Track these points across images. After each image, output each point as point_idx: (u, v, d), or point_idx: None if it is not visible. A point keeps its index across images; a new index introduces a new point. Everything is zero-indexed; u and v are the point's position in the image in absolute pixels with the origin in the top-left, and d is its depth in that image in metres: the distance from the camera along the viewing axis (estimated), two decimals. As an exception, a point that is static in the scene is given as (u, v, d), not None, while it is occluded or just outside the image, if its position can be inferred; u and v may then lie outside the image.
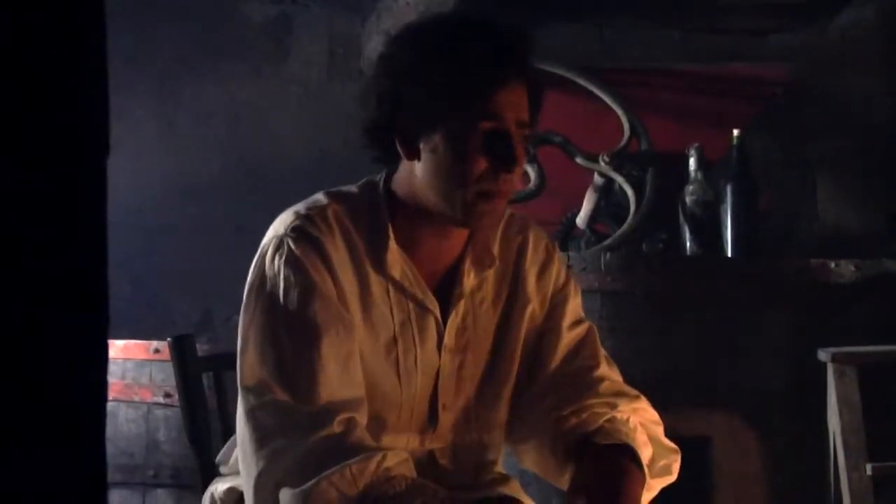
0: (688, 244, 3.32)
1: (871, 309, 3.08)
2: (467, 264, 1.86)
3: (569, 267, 3.04)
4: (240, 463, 1.75)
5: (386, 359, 1.81)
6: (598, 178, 3.46)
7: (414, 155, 1.77)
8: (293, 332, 1.73)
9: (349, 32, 4.09)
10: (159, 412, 3.24)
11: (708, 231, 3.30)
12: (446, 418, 1.86)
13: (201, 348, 2.25)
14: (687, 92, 3.79)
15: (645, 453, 1.79)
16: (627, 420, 1.81)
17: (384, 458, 1.65)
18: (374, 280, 1.80)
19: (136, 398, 3.25)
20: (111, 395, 3.20)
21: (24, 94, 0.72)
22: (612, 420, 1.81)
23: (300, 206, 1.81)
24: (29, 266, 0.72)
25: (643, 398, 1.87)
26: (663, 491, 1.86)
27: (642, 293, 3.09)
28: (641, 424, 1.82)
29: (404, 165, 1.80)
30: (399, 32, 1.83)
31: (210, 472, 2.00)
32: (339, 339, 1.74)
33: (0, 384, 0.71)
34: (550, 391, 1.87)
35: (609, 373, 1.89)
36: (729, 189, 3.29)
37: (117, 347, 3.25)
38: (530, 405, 1.88)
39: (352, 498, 1.63)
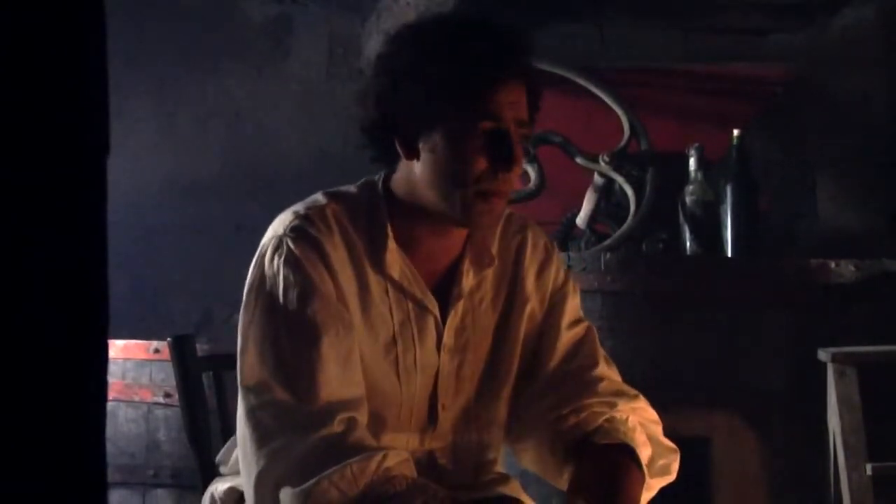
0: (688, 244, 3.32)
1: (871, 309, 3.08)
2: (466, 264, 1.86)
3: (569, 267, 3.04)
4: (240, 462, 1.75)
5: (385, 358, 1.81)
6: (598, 178, 3.46)
7: (413, 155, 1.77)
8: (293, 331, 1.73)
9: (349, 32, 4.09)
10: (159, 412, 3.24)
11: (708, 231, 3.30)
12: (446, 418, 1.86)
13: (201, 348, 2.25)
14: (687, 92, 3.79)
15: (644, 453, 1.79)
16: (626, 419, 1.81)
17: (385, 457, 1.65)
18: (373, 280, 1.80)
19: (136, 398, 3.25)
20: (111, 395, 3.20)
21: (24, 94, 0.72)
22: (611, 419, 1.81)
23: (299, 206, 1.81)
24: (29, 266, 0.72)
25: (642, 397, 1.88)
26: (663, 491, 1.86)
27: (642, 293, 3.09)
28: (640, 424, 1.82)
29: (403, 165, 1.80)
30: (398, 32, 1.83)
31: (210, 472, 2.00)
32: (339, 338, 1.74)
33: (0, 384, 0.71)
34: (549, 390, 1.87)
35: (608, 372, 1.89)
36: (729, 189, 3.28)
37: (117, 347, 3.25)
38: (529, 405, 1.88)
39: (352, 497, 1.63)
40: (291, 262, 1.75)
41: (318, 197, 1.83)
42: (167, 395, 3.20)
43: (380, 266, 1.80)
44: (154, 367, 3.25)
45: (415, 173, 1.78)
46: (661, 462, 1.83)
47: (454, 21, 1.88)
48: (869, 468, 2.89)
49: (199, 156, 4.04)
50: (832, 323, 3.06)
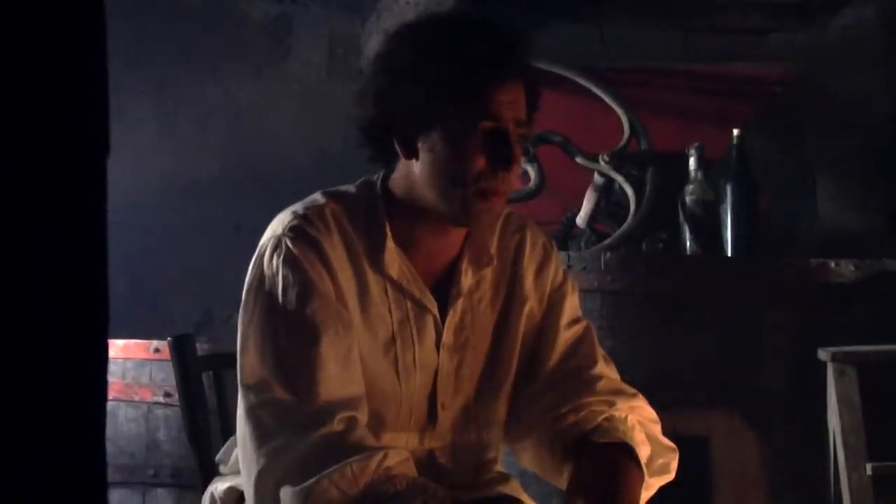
0: (688, 244, 3.32)
1: (871, 309, 3.08)
2: (465, 263, 1.86)
3: (569, 266, 3.05)
4: (240, 461, 1.75)
5: (384, 357, 1.81)
6: (598, 178, 3.46)
7: (412, 154, 1.77)
8: (292, 330, 1.73)
9: (349, 32, 4.09)
10: (159, 412, 3.24)
11: (708, 231, 3.30)
12: (445, 417, 1.86)
13: (201, 348, 2.25)
14: (687, 92, 3.79)
15: (643, 451, 1.79)
16: (625, 418, 1.81)
17: (385, 457, 1.65)
18: (372, 279, 1.80)
19: (136, 398, 3.25)
20: (111, 394, 3.20)
21: (24, 94, 0.72)
22: (609, 418, 1.81)
23: (298, 206, 1.82)
24: (29, 266, 0.72)
25: (641, 396, 1.88)
26: (663, 491, 1.86)
27: (642, 293, 3.09)
28: (639, 423, 1.82)
29: (402, 165, 1.80)
30: (397, 31, 1.83)
31: (210, 472, 2.00)
32: (338, 337, 1.74)
33: (0, 384, 0.71)
34: (548, 389, 1.87)
35: (606, 371, 1.89)
36: (729, 189, 3.28)
37: (117, 347, 3.25)
38: (528, 403, 1.89)
39: (352, 496, 1.63)
40: (290, 261, 1.75)
41: (317, 197, 1.83)
42: (167, 395, 3.20)
43: (378, 265, 1.80)
44: (154, 367, 3.25)
45: (413, 173, 1.78)
46: (660, 461, 1.83)
47: (453, 20, 1.88)
48: (869, 468, 2.89)
49: (199, 156, 4.04)
50: (832, 323, 3.06)
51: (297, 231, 1.77)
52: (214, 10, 4.06)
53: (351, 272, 1.79)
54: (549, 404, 1.85)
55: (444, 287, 1.86)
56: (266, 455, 1.68)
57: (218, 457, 1.99)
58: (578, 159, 3.45)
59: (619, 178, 3.42)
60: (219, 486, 1.93)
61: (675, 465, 1.85)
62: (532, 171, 3.36)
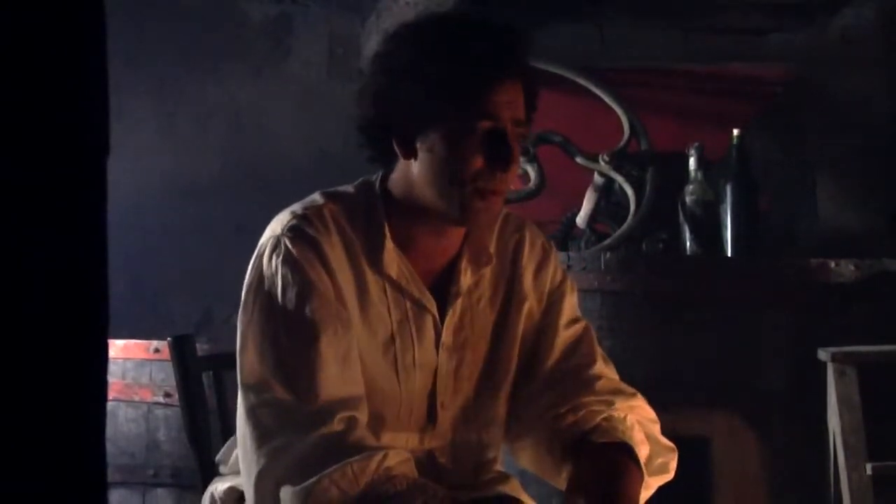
0: (688, 244, 3.32)
1: (871, 309, 3.08)
2: (464, 263, 1.86)
3: (568, 266, 3.05)
4: (240, 461, 1.75)
5: (384, 357, 1.81)
6: (598, 178, 3.46)
7: (411, 154, 1.77)
8: (292, 330, 1.73)
9: (349, 32, 4.09)
10: (159, 412, 3.24)
11: (708, 231, 3.30)
12: (445, 417, 1.86)
13: (201, 348, 2.25)
14: (687, 92, 3.79)
15: (642, 451, 1.79)
16: (624, 418, 1.81)
17: (385, 456, 1.66)
18: (371, 279, 1.80)
19: (136, 398, 3.25)
20: (111, 395, 3.20)
21: (24, 94, 0.72)
22: (608, 418, 1.81)
23: (297, 206, 1.82)
24: (29, 266, 0.72)
25: (640, 396, 1.88)
26: (663, 491, 1.85)
27: (642, 293, 3.09)
28: (638, 422, 1.82)
29: (401, 164, 1.80)
30: (396, 31, 1.83)
31: (210, 472, 2.00)
32: (338, 337, 1.74)
33: (0, 384, 0.71)
34: (547, 389, 1.87)
35: (605, 370, 1.89)
36: (729, 189, 3.28)
37: (117, 347, 3.25)
38: (527, 403, 1.89)
39: (353, 496, 1.63)
40: (289, 261, 1.75)
41: (316, 197, 1.84)
42: (167, 395, 3.20)
43: (377, 265, 1.80)
44: (154, 367, 3.25)
45: (412, 173, 1.78)
46: (659, 460, 1.83)
47: (452, 20, 1.88)
48: (869, 468, 2.89)
49: (199, 156, 4.04)
50: (832, 323, 3.06)
51: (296, 231, 1.77)
52: (214, 10, 4.06)
53: (350, 272, 1.79)
54: (548, 404, 1.85)
55: (443, 287, 1.86)
56: (266, 455, 1.68)
57: (218, 457, 1.99)
58: (578, 159, 3.45)
59: (619, 178, 3.42)
60: (219, 486, 1.93)
61: (674, 464, 1.85)
62: (532, 171, 3.36)
